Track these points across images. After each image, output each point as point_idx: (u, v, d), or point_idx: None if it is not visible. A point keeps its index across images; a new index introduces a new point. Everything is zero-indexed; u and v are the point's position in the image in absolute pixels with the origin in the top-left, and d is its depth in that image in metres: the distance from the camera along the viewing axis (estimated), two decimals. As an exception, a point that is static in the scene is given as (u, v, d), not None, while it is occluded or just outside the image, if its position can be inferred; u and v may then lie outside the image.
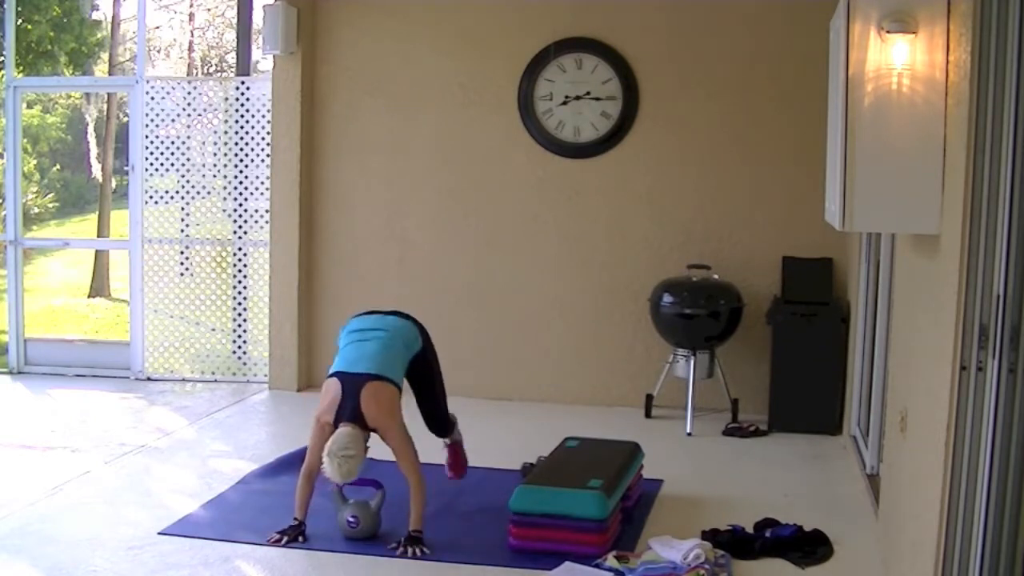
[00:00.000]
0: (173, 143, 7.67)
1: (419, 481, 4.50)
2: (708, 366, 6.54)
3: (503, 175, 7.15)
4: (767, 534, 4.51)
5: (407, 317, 4.87)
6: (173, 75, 17.61)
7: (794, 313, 6.38)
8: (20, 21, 10.67)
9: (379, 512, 4.59)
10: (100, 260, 14.08)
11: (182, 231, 7.87)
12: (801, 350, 6.34)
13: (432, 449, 5.00)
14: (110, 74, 15.18)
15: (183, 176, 7.72)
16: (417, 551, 4.37)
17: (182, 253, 7.98)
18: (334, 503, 4.62)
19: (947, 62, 3.38)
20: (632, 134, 6.96)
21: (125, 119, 13.66)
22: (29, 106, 15.89)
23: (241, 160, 7.57)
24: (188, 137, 7.80)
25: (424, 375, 4.85)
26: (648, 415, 6.73)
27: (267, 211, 7.44)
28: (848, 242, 6.43)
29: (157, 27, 18.05)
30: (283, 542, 4.45)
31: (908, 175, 3.46)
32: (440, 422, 4.99)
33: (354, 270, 7.34)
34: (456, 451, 5.17)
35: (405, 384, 4.70)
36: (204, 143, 7.82)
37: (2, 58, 8.61)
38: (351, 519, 4.54)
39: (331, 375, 4.60)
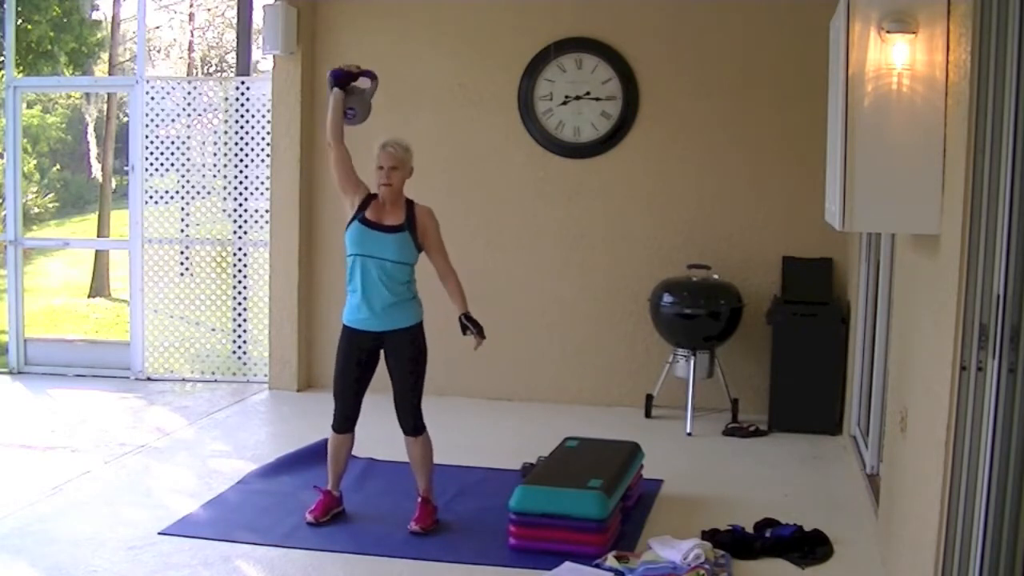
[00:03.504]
0: (173, 143, 7.67)
1: (457, 278, 4.76)
2: (708, 366, 6.54)
3: (503, 175, 7.15)
4: (767, 534, 4.51)
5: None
6: (173, 75, 17.62)
7: (794, 313, 6.38)
8: (20, 21, 10.67)
9: (371, 99, 4.88)
10: (100, 260, 14.08)
11: (182, 231, 7.87)
12: (801, 350, 6.34)
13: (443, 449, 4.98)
14: (110, 74, 15.18)
15: (183, 176, 7.72)
16: (480, 338, 4.66)
17: (182, 253, 7.98)
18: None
19: (947, 62, 3.38)
20: (632, 134, 6.96)
21: (125, 119, 13.66)
22: (29, 106, 15.90)
23: (241, 160, 7.57)
24: (188, 137, 7.80)
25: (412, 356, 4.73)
26: (648, 415, 6.73)
27: (267, 211, 7.45)
28: (848, 242, 6.43)
29: (157, 27, 18.07)
30: None
31: (908, 175, 3.46)
32: (407, 408, 4.71)
33: (354, 270, 7.33)
34: (425, 506, 4.76)
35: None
36: (204, 143, 7.82)
37: (2, 58, 8.61)
38: (348, 111, 4.75)
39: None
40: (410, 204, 4.72)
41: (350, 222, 4.69)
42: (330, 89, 4.79)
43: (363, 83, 4.88)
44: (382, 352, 4.75)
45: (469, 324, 4.65)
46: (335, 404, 4.81)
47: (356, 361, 4.74)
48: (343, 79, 4.80)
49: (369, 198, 4.71)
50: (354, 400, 4.79)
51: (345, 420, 4.80)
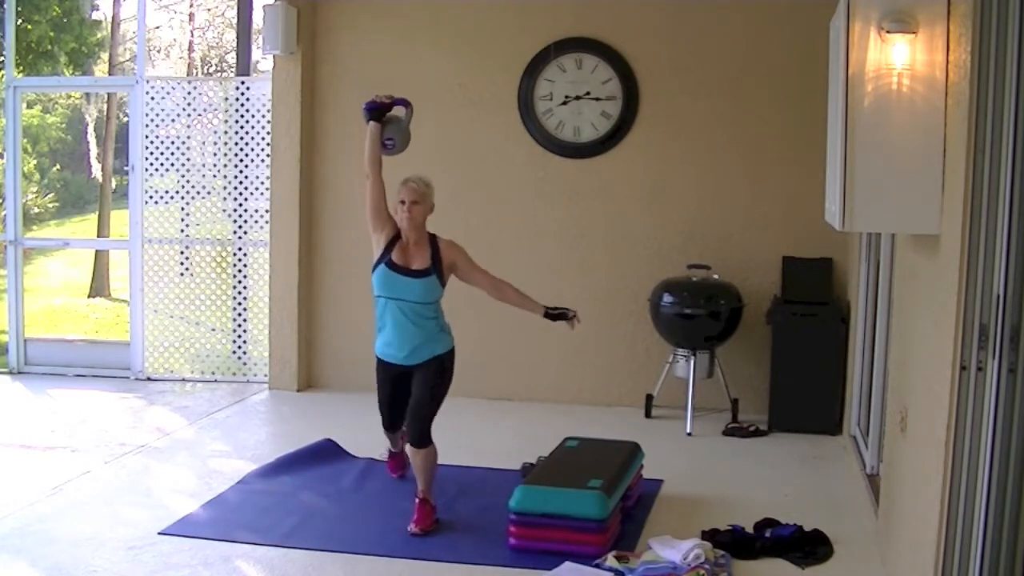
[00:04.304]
0: (173, 143, 7.67)
1: (511, 285, 4.95)
2: (708, 366, 6.54)
3: (503, 175, 7.15)
4: (767, 534, 4.51)
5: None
6: (173, 75, 17.61)
7: (794, 313, 6.38)
8: (20, 21, 10.67)
9: (409, 127, 4.92)
10: (100, 260, 14.08)
11: (182, 231, 7.87)
12: (801, 350, 6.34)
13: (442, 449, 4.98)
14: (110, 74, 15.18)
15: (183, 176, 7.72)
16: (575, 316, 4.86)
17: (182, 253, 7.98)
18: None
19: (947, 62, 3.38)
20: (632, 134, 6.96)
21: (125, 119, 13.66)
22: (29, 106, 15.89)
23: (241, 160, 7.57)
24: (188, 137, 7.80)
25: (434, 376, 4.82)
26: (648, 415, 6.73)
27: (267, 211, 7.45)
28: (848, 242, 6.43)
29: (157, 27, 18.07)
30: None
31: (908, 175, 3.46)
32: (416, 422, 4.73)
33: (354, 270, 7.32)
34: (424, 507, 4.71)
35: None
36: (204, 143, 7.82)
37: (2, 58, 8.61)
38: (387, 141, 4.81)
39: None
40: (434, 240, 4.80)
41: (376, 264, 4.77)
42: (366, 122, 4.85)
43: (398, 111, 4.94)
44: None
45: (557, 313, 4.84)
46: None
47: (391, 387, 4.94)
48: (376, 111, 4.84)
49: (395, 238, 4.76)
50: (390, 412, 5.05)
51: (391, 424, 5.11)
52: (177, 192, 7.79)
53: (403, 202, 4.72)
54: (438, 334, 4.80)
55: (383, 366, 4.89)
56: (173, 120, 7.72)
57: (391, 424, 5.08)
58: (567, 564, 4.17)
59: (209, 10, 18.14)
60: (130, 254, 7.77)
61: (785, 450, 6.07)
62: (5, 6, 8.07)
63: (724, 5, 6.78)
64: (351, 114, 7.31)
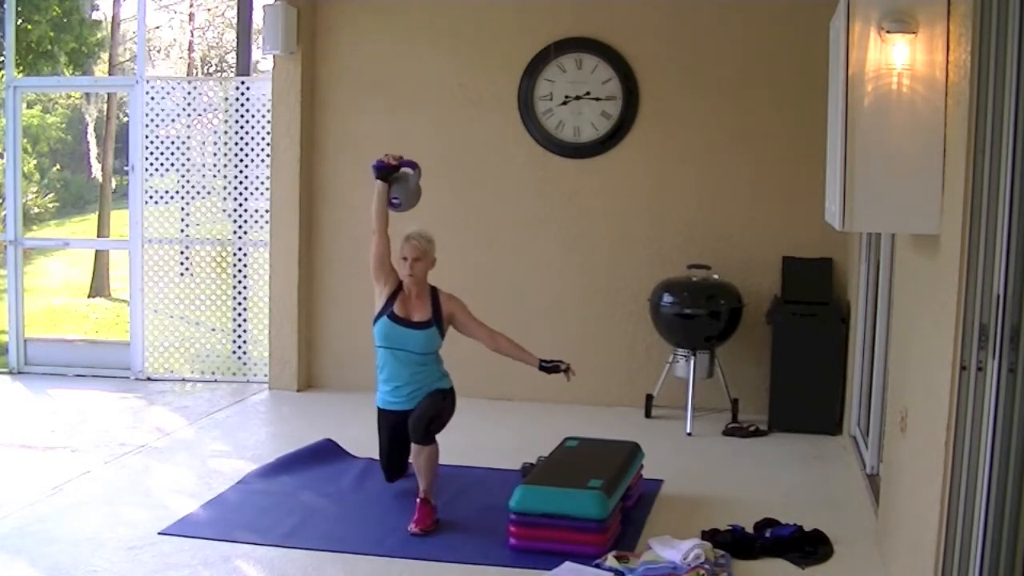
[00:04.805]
0: (173, 143, 7.67)
1: (506, 336, 5.02)
2: (708, 366, 6.54)
3: (503, 175, 7.15)
4: (767, 534, 4.51)
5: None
6: (173, 75, 17.61)
7: (794, 313, 6.38)
8: (20, 21, 10.67)
9: (418, 185, 5.02)
10: (100, 260, 14.08)
11: (182, 231, 7.87)
12: (801, 350, 6.34)
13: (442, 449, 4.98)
14: (110, 74, 15.18)
15: (183, 176, 7.72)
16: (568, 367, 4.90)
17: (182, 253, 7.98)
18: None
19: (947, 62, 3.38)
20: (632, 134, 6.96)
21: (125, 119, 13.66)
22: (29, 106, 15.90)
23: (241, 160, 7.57)
24: (188, 137, 7.80)
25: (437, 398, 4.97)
26: (648, 415, 6.73)
27: (267, 211, 7.45)
28: (848, 242, 6.43)
29: (157, 27, 18.07)
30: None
31: (908, 175, 3.46)
32: (421, 421, 4.76)
33: (354, 270, 7.32)
34: (424, 507, 4.70)
35: None
36: (204, 143, 7.82)
37: (2, 58, 8.61)
38: (394, 200, 4.92)
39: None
40: (435, 293, 4.95)
41: (378, 316, 4.92)
42: (374, 179, 4.97)
43: (405, 171, 5.05)
44: None
45: (551, 366, 4.91)
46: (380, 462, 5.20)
47: (391, 437, 5.02)
48: (384, 171, 4.97)
49: (397, 290, 4.91)
50: (388, 463, 5.10)
51: (389, 475, 5.15)
52: (177, 192, 7.79)
53: (405, 258, 4.89)
54: (439, 379, 4.99)
55: (384, 415, 5.02)
56: (173, 120, 7.72)
57: (390, 476, 5.15)
58: (567, 564, 4.17)
59: (209, 10, 18.15)
60: (130, 254, 7.77)
61: (785, 450, 6.07)
62: (5, 6, 8.07)
63: (724, 5, 6.78)
64: (351, 114, 7.34)
